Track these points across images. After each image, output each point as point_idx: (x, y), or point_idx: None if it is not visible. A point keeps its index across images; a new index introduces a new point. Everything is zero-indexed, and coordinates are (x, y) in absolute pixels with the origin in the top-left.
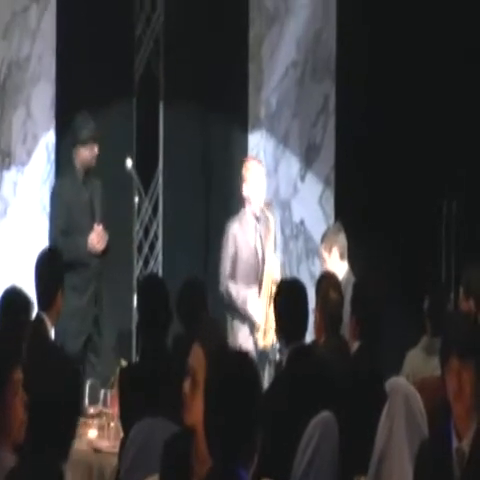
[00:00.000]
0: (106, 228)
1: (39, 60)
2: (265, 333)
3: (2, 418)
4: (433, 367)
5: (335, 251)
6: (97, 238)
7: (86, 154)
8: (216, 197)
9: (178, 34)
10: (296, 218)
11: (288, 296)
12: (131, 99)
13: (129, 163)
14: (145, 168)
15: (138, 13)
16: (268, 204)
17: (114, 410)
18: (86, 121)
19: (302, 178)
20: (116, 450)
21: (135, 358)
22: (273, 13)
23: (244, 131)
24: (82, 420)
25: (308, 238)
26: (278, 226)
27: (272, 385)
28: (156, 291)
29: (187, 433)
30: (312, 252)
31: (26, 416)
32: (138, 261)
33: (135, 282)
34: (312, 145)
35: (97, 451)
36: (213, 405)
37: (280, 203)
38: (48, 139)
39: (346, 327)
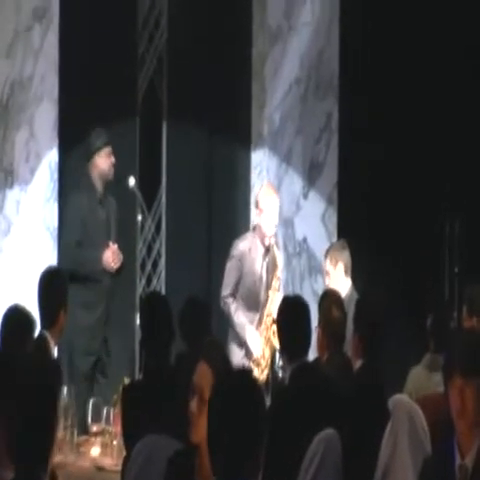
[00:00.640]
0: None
1: (42, 79)
2: (261, 370)
3: (4, 436)
4: (436, 384)
5: (340, 266)
6: (113, 256)
7: (103, 164)
8: (219, 215)
9: (181, 52)
10: (299, 236)
11: (291, 313)
12: (134, 117)
13: (132, 181)
14: (148, 186)
15: (141, 31)
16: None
17: (117, 428)
18: (99, 133)
19: (305, 196)
20: (119, 468)
21: (138, 376)
22: (276, 31)
23: (247, 149)
24: (85, 438)
25: (311, 256)
26: (281, 244)
27: (275, 402)
28: (158, 309)
29: (190, 450)
30: (315, 269)
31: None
32: (141, 279)
33: (138, 300)
34: (315, 163)
35: (100, 469)
36: (217, 423)
37: (283, 221)
38: (51, 158)
39: (349, 344)
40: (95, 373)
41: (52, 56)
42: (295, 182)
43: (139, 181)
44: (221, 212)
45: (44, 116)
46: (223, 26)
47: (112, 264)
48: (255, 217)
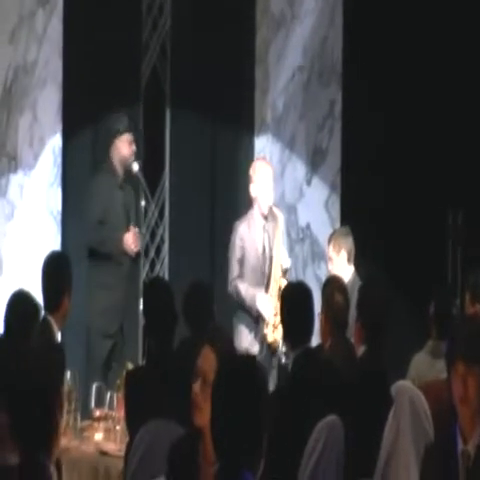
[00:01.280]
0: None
1: (46, 64)
2: (275, 327)
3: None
4: (438, 371)
5: (343, 252)
6: (133, 239)
7: (125, 150)
8: (222, 201)
9: (185, 39)
10: (302, 222)
11: (294, 300)
12: (138, 103)
13: (136, 167)
14: (152, 172)
15: (145, 18)
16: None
17: (120, 413)
18: (121, 117)
19: (308, 182)
20: (122, 453)
21: (141, 361)
22: (279, 18)
23: (250, 135)
24: (88, 423)
25: (314, 242)
26: (284, 230)
27: (278, 389)
28: (161, 294)
29: (193, 435)
30: (318, 256)
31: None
32: (144, 265)
33: (141, 286)
34: (318, 149)
35: (103, 454)
36: (220, 408)
37: (286, 207)
38: (55, 143)
39: (352, 331)
40: (111, 357)
41: (56, 41)
42: (298, 168)
43: (142, 167)
44: (224, 198)
45: (48, 101)
46: (227, 13)
47: (132, 246)
48: (251, 192)
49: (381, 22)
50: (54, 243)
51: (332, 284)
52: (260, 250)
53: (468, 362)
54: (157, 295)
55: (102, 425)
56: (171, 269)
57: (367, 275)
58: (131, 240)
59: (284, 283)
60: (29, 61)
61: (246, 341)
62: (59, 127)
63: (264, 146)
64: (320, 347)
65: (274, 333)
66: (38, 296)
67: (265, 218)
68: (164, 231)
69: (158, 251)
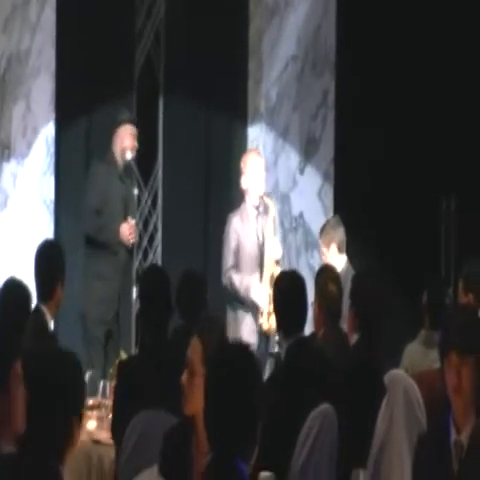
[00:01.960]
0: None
1: (39, 53)
2: (269, 315)
3: (3, 409)
4: (431, 360)
5: (333, 246)
6: (130, 230)
7: (126, 140)
8: (215, 190)
9: (178, 27)
10: (295, 211)
11: (287, 289)
12: (131, 92)
13: (129, 156)
14: (145, 160)
15: (138, 6)
16: (267, 194)
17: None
18: (123, 108)
19: (301, 171)
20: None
21: (135, 350)
22: (273, 7)
23: (244, 124)
24: None
25: (307, 231)
26: (277, 219)
27: (271, 377)
28: (157, 282)
29: (186, 424)
30: (311, 245)
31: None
32: (137, 253)
33: (134, 274)
34: (311, 139)
35: (96, 442)
36: (213, 397)
37: (279, 196)
38: (48, 132)
39: (345, 319)
40: (108, 344)
41: (49, 30)
42: (291, 158)
43: (136, 156)
44: (218, 187)
45: (41, 90)
46: (220, 2)
47: (129, 237)
48: (242, 184)
49: (375, 11)
50: (47, 232)
51: (325, 273)
52: (254, 241)
53: (462, 352)
54: (153, 283)
55: (95, 413)
56: (164, 258)
57: (360, 264)
58: (128, 231)
59: (277, 271)
60: (22, 50)
61: (244, 331)
62: (52, 116)
63: (258, 135)
64: (313, 336)
65: (269, 320)
66: (31, 285)
67: (257, 209)
68: (157, 220)
69: (151, 240)
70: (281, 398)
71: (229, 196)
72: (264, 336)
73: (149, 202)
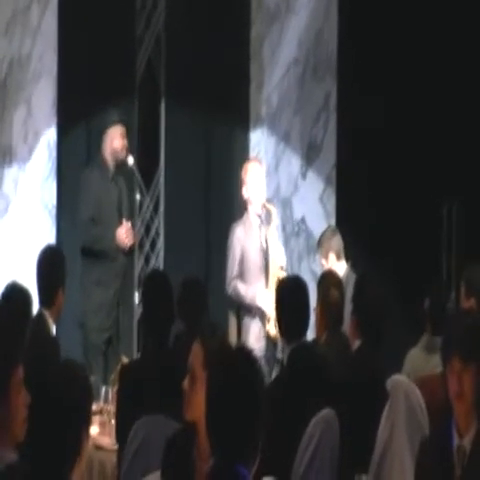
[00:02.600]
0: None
1: (40, 58)
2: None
3: (4, 415)
4: (433, 365)
5: (332, 255)
6: (126, 233)
7: (116, 143)
8: (217, 195)
9: (179, 32)
10: (297, 216)
11: (289, 294)
12: (132, 97)
13: (131, 160)
14: (147, 165)
15: (139, 11)
16: (269, 200)
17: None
18: (112, 110)
19: (303, 176)
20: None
21: (136, 355)
22: (274, 12)
23: (245, 129)
24: None
25: (309, 236)
26: (279, 224)
27: (273, 382)
28: (159, 287)
29: (189, 430)
30: (313, 250)
31: (27, 415)
32: (139, 258)
33: (136, 280)
34: (313, 143)
35: (98, 448)
36: (215, 402)
37: (281, 201)
38: (49, 137)
39: (347, 325)
40: (108, 351)
41: (50, 35)
42: (293, 162)
43: (137, 161)
44: (219, 192)
45: (42, 95)
46: (221, 6)
47: (126, 241)
48: (244, 194)
49: (376, 15)
50: (49, 237)
51: (327, 279)
52: (258, 249)
53: (464, 358)
54: (155, 288)
55: (97, 419)
56: (166, 263)
57: (362, 269)
58: (124, 235)
59: (283, 275)
60: (23, 55)
61: (250, 337)
62: (54, 121)
63: (259, 140)
64: (315, 341)
65: (276, 328)
66: (33, 290)
67: (260, 217)
68: (159, 225)
69: (153, 245)
70: (283, 403)
71: (230, 201)
72: (272, 342)
73: (151, 207)
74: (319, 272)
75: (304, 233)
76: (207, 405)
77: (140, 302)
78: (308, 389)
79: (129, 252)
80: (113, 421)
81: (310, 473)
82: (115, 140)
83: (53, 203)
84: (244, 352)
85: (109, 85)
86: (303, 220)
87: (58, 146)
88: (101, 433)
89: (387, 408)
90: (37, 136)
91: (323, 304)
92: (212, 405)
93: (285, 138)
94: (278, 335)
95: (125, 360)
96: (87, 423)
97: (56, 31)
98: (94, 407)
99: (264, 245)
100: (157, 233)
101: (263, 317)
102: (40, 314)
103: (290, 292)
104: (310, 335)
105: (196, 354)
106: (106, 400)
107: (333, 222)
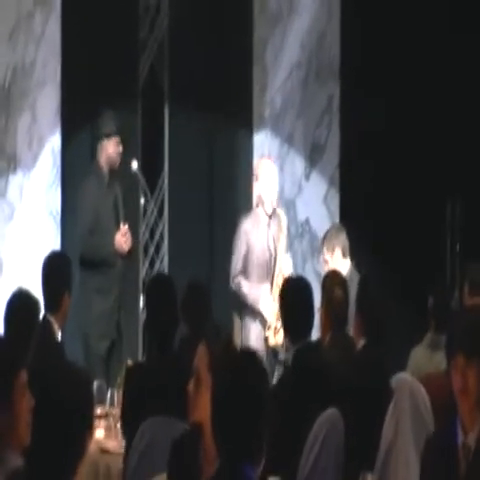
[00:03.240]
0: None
1: (44, 65)
2: (276, 331)
3: (8, 420)
4: (437, 363)
5: (337, 251)
6: (124, 238)
7: (112, 150)
8: (221, 197)
9: (182, 37)
10: (301, 217)
11: (294, 294)
12: (136, 102)
13: (135, 165)
14: (151, 170)
15: (142, 16)
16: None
17: None
18: (109, 117)
19: (307, 177)
20: (123, 451)
21: (141, 358)
22: (276, 14)
23: (249, 131)
24: None
25: (313, 237)
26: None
27: (278, 383)
28: (164, 291)
29: (195, 432)
30: (317, 251)
31: (31, 419)
32: (144, 262)
33: (141, 284)
34: (316, 145)
35: (104, 451)
36: (221, 404)
37: (285, 202)
38: (54, 143)
39: (351, 324)
40: (111, 356)
41: (54, 42)
42: (297, 164)
43: (141, 165)
44: (223, 195)
45: (46, 101)
46: (224, 10)
47: (124, 246)
48: (255, 190)
49: (379, 18)
50: (54, 243)
51: (332, 279)
52: (264, 246)
53: (468, 355)
54: (160, 292)
55: (103, 423)
56: (171, 267)
57: (366, 269)
58: (122, 240)
59: None
60: (27, 62)
61: (251, 337)
62: (58, 128)
63: (263, 142)
64: (320, 341)
65: (276, 337)
66: (39, 296)
67: (269, 217)
68: (163, 229)
69: (158, 249)
70: (288, 403)
71: (235, 203)
72: (270, 349)
73: (155, 211)
74: (323, 272)
75: (308, 234)
76: (213, 407)
77: (145, 306)
78: (313, 389)
79: (128, 256)
80: (119, 424)
81: (315, 473)
82: (109, 148)
83: (58, 209)
84: (249, 354)
85: (113, 90)
86: (307, 221)
87: (62, 152)
88: (107, 437)
89: (392, 406)
90: (41, 143)
91: (327, 304)
92: (218, 406)
93: (288, 140)
94: (277, 345)
95: (130, 363)
96: (90, 427)
97: (60, 38)
98: (100, 411)
99: (271, 245)
100: (162, 237)
101: (264, 322)
102: (45, 319)
103: (294, 292)
104: (314, 335)
105: (201, 356)
106: (112, 404)
107: None
